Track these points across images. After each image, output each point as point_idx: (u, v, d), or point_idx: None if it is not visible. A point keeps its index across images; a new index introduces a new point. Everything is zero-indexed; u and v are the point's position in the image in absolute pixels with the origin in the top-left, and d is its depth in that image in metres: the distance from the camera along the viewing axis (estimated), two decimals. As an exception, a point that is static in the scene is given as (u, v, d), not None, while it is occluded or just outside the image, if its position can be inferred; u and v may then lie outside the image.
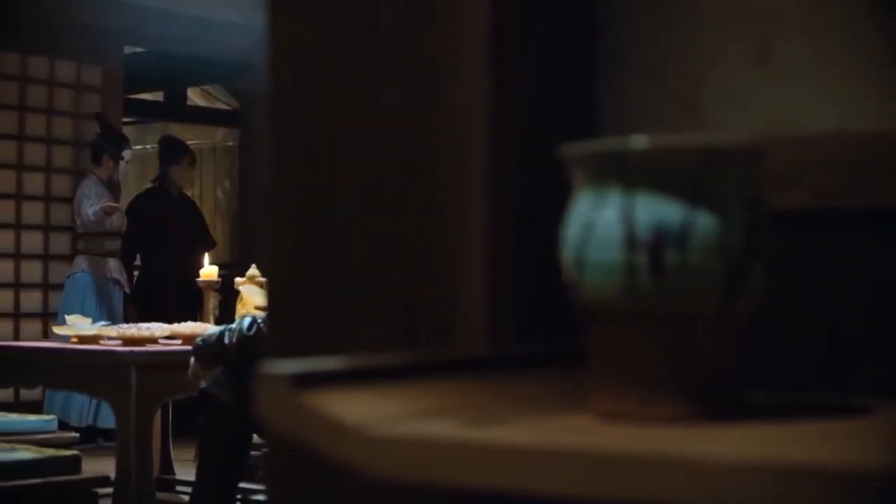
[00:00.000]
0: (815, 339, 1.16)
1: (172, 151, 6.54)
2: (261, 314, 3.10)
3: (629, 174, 0.86)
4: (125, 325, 3.77)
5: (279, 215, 1.47)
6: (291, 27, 1.51)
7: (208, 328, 3.80)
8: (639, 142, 0.85)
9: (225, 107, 9.75)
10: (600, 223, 0.86)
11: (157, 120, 10.07)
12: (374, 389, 1.10)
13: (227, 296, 7.46)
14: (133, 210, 6.46)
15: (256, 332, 3.05)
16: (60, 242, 6.41)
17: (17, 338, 6.07)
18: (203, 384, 3.32)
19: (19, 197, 6.27)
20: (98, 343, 3.74)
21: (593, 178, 0.89)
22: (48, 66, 6.38)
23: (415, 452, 0.88)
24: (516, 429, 0.90)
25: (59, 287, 6.31)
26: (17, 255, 6.25)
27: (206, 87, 9.67)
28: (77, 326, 3.85)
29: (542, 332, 1.44)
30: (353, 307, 1.42)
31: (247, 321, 3.08)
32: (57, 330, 3.90)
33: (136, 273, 6.67)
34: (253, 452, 3.30)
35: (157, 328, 3.73)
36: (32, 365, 3.71)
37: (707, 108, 1.28)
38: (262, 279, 4.01)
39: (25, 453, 3.42)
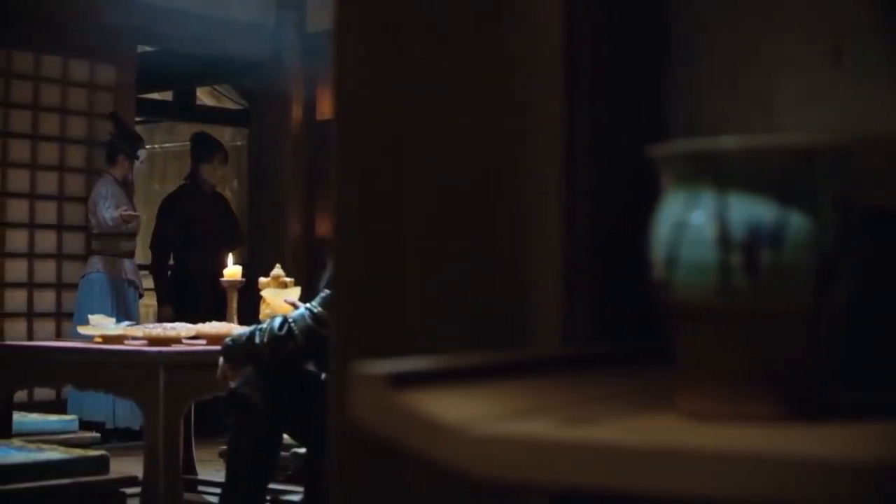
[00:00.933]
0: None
1: (204, 148, 6.49)
2: (292, 314, 3.10)
3: (722, 174, 0.86)
4: (150, 325, 3.78)
5: (348, 217, 1.47)
6: (358, 24, 1.51)
7: (233, 328, 3.81)
8: (731, 142, 0.86)
9: (234, 106, 9.75)
10: (693, 223, 0.87)
11: (166, 119, 10.08)
12: (464, 389, 1.11)
13: (245, 295, 7.47)
14: (166, 208, 6.42)
15: (288, 332, 3.05)
16: (74, 242, 6.40)
17: (30, 337, 6.09)
18: (232, 384, 3.33)
19: (33, 196, 6.26)
20: (122, 343, 3.75)
21: (685, 178, 0.89)
22: (61, 66, 6.38)
23: (516, 452, 0.88)
24: (611, 428, 0.91)
25: (73, 287, 6.32)
26: (31, 255, 6.25)
27: (215, 87, 9.67)
28: (102, 326, 3.85)
29: (615, 331, 1.45)
30: (429, 308, 1.43)
31: (277, 321, 3.08)
32: (82, 330, 3.90)
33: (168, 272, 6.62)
34: (282, 453, 3.30)
35: (182, 328, 3.74)
36: (58, 365, 3.71)
37: (778, 108, 1.28)
38: (287, 279, 4.01)
39: (53, 453, 3.43)
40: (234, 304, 4.03)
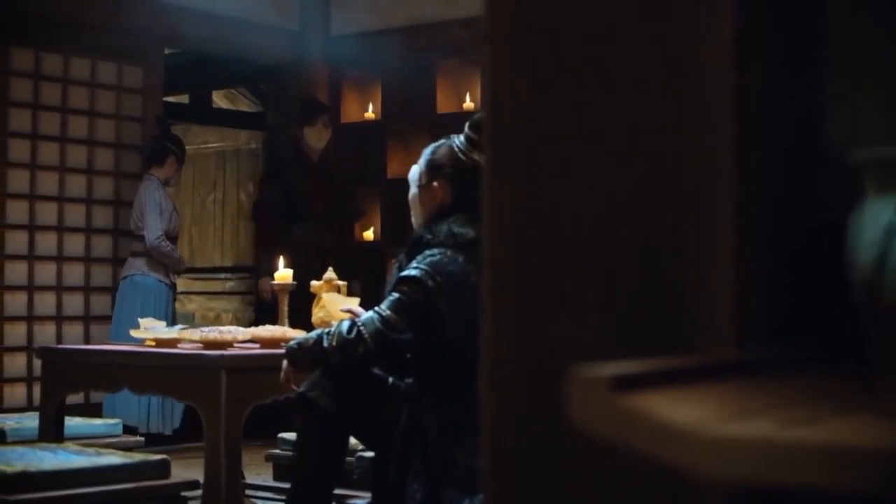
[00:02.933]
0: None
1: (307, 110, 6.20)
2: (360, 317, 3.08)
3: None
4: (206, 329, 3.75)
5: (503, 220, 1.45)
6: (514, 22, 1.48)
7: (287, 331, 3.79)
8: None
9: (248, 109, 9.74)
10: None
11: (181, 122, 10.06)
12: (680, 391, 1.09)
13: (260, 300, 7.38)
14: (268, 178, 6.15)
15: (357, 335, 3.02)
16: (102, 245, 6.39)
17: (59, 341, 6.07)
18: (294, 388, 3.31)
19: (61, 199, 6.24)
20: (176, 346, 3.73)
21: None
22: (90, 68, 6.35)
23: (746, 453, 0.87)
24: (834, 428, 0.89)
25: (102, 290, 6.31)
26: (60, 258, 6.23)
27: (232, 90, 9.65)
28: (155, 330, 3.83)
29: (784, 333, 1.43)
30: (595, 314, 1.40)
31: (345, 325, 3.05)
32: (134, 333, 3.87)
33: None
34: (348, 458, 3.28)
35: (237, 331, 3.72)
36: (115, 368, 3.68)
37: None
38: (340, 282, 3.99)
39: (113, 458, 3.40)
40: (285, 307, 4.01)
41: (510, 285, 1.48)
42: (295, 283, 4.08)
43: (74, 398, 5.73)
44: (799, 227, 1.46)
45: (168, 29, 6.52)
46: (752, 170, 1.38)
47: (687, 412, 0.97)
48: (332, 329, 3.08)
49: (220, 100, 9.77)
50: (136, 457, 3.42)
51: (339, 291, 3.95)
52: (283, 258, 4.19)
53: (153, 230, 6.02)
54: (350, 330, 3.03)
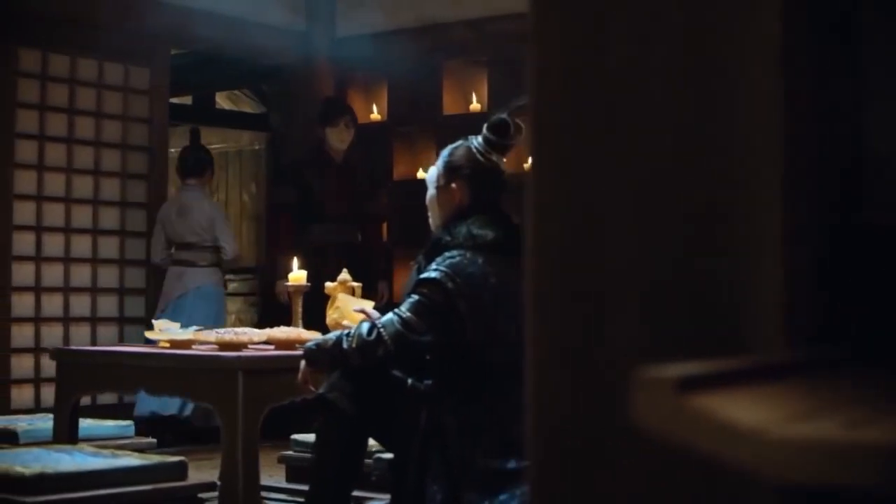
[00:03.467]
0: None
1: (330, 111, 6.09)
2: (380, 319, 3.07)
3: None
4: (222, 330, 3.75)
5: (546, 219, 1.44)
6: (559, 24, 1.48)
7: (302, 333, 3.79)
8: None
9: (251, 110, 9.73)
10: None
11: (184, 123, 10.04)
12: (738, 392, 1.09)
13: (266, 302, 7.37)
14: (289, 177, 6.05)
15: (377, 337, 3.02)
16: (109, 246, 6.39)
17: (94, 342, 6.11)
18: (312, 389, 3.30)
19: (69, 200, 6.23)
20: (190, 347, 3.72)
21: None
22: (97, 69, 6.34)
23: (813, 454, 0.87)
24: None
25: (108, 291, 6.32)
26: (67, 259, 6.22)
27: (234, 91, 9.65)
28: (169, 331, 3.82)
29: (836, 333, 1.43)
30: (642, 314, 1.40)
31: (365, 326, 3.05)
32: (149, 335, 3.87)
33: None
34: (366, 460, 3.28)
35: (252, 333, 3.71)
36: (130, 369, 3.68)
37: None
38: (354, 284, 3.99)
39: (131, 459, 3.40)
40: (299, 308, 4.00)
41: (555, 286, 1.47)
42: (309, 284, 4.07)
43: (83, 399, 5.74)
44: (847, 228, 1.46)
45: (175, 29, 6.51)
46: (800, 169, 1.38)
47: (751, 413, 0.97)
48: (352, 331, 3.07)
49: (222, 101, 9.77)
50: (154, 458, 3.42)
51: (353, 293, 3.94)
52: (298, 259, 4.18)
53: (233, 242, 6.17)
54: (370, 332, 3.02)
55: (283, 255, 5.80)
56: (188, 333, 3.78)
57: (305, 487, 4.09)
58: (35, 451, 3.61)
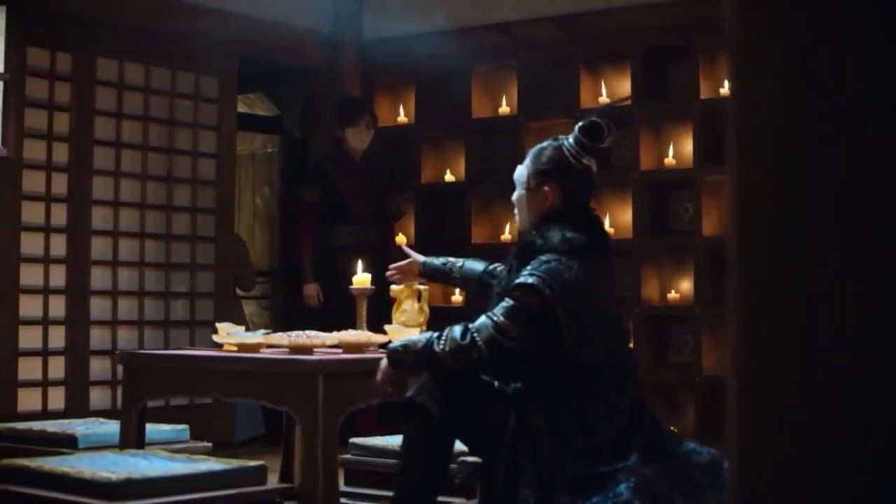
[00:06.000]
0: None
1: (348, 111, 6.02)
2: (473, 323, 3.05)
3: None
4: (293, 333, 3.72)
5: (751, 234, 1.43)
6: (765, 24, 1.47)
7: (371, 336, 3.76)
8: None
9: (265, 113, 9.69)
10: None
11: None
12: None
13: (289, 305, 7.34)
14: (309, 177, 5.99)
15: (471, 341, 3.00)
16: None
17: (167, 346, 6.20)
18: (389, 390, 3.28)
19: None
20: (259, 351, 3.70)
21: None
22: (169, 77, 6.44)
23: None
24: None
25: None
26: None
27: (248, 95, 9.62)
28: (237, 335, 3.80)
29: None
30: (854, 325, 1.39)
31: (458, 329, 3.03)
32: (217, 338, 3.84)
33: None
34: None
35: (324, 336, 3.69)
36: (203, 373, 3.65)
37: None
38: (421, 286, 3.97)
39: (213, 464, 3.37)
40: (363, 311, 3.97)
41: (761, 297, 1.46)
42: (374, 287, 4.05)
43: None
44: None
45: (222, 35, 6.52)
46: None
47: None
48: (444, 333, 3.05)
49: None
50: (235, 463, 3.39)
51: (419, 296, 3.93)
52: (362, 262, 4.15)
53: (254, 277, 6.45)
54: (464, 335, 3.01)
55: (306, 256, 5.78)
56: (257, 337, 3.76)
57: (364, 491, 4.09)
58: (108, 455, 3.58)
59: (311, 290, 5.73)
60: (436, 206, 7.04)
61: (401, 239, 6.95)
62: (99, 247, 6.05)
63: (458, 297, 6.70)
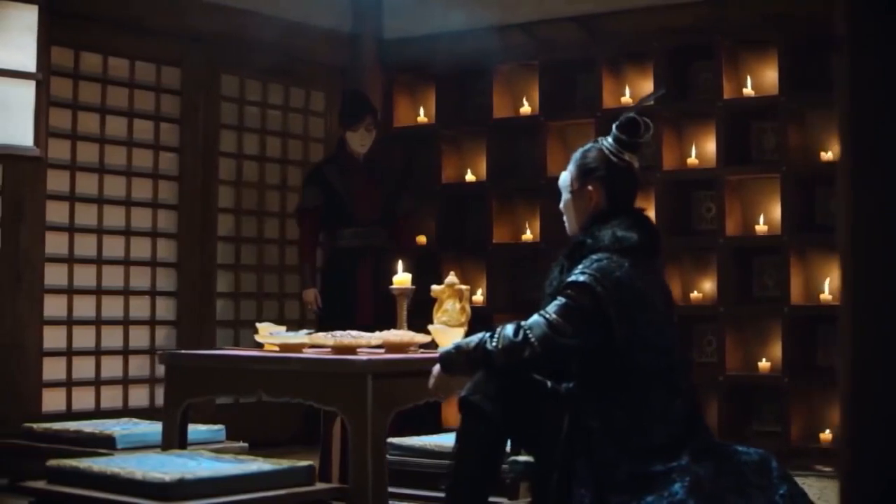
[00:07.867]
0: None
1: (350, 113, 5.81)
2: (525, 320, 3.05)
3: None
4: (339, 333, 3.72)
5: (865, 231, 1.44)
6: (878, 27, 1.47)
7: (414, 336, 3.76)
8: None
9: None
10: None
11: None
12: None
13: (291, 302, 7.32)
14: (311, 178, 5.91)
15: (524, 339, 3.00)
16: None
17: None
18: (441, 396, 3.28)
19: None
20: (301, 351, 3.69)
21: None
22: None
23: None
24: None
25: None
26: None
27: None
28: (280, 335, 3.79)
29: None
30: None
31: (510, 328, 3.03)
32: (259, 338, 3.84)
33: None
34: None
35: (368, 336, 3.68)
36: (248, 373, 3.64)
37: None
38: (462, 287, 3.97)
39: (262, 464, 3.37)
40: (403, 312, 3.97)
41: (874, 292, 1.47)
42: (414, 287, 4.05)
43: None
44: None
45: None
46: None
47: None
48: (496, 332, 3.06)
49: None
50: (284, 463, 3.39)
51: (461, 296, 3.92)
52: (403, 262, 4.15)
53: None
54: (517, 333, 3.01)
55: (306, 262, 5.77)
56: (300, 337, 3.76)
57: (405, 491, 4.09)
58: (154, 455, 3.58)
59: (310, 296, 5.72)
60: (457, 206, 7.04)
61: (421, 239, 6.93)
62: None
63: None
